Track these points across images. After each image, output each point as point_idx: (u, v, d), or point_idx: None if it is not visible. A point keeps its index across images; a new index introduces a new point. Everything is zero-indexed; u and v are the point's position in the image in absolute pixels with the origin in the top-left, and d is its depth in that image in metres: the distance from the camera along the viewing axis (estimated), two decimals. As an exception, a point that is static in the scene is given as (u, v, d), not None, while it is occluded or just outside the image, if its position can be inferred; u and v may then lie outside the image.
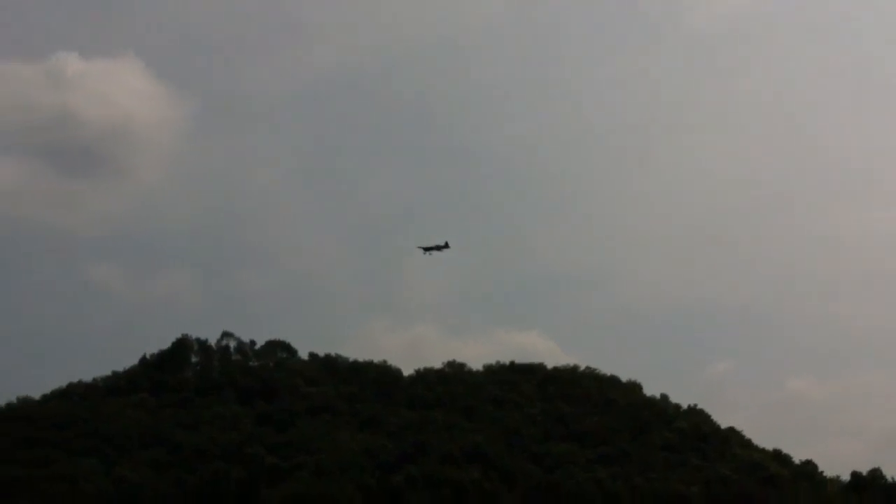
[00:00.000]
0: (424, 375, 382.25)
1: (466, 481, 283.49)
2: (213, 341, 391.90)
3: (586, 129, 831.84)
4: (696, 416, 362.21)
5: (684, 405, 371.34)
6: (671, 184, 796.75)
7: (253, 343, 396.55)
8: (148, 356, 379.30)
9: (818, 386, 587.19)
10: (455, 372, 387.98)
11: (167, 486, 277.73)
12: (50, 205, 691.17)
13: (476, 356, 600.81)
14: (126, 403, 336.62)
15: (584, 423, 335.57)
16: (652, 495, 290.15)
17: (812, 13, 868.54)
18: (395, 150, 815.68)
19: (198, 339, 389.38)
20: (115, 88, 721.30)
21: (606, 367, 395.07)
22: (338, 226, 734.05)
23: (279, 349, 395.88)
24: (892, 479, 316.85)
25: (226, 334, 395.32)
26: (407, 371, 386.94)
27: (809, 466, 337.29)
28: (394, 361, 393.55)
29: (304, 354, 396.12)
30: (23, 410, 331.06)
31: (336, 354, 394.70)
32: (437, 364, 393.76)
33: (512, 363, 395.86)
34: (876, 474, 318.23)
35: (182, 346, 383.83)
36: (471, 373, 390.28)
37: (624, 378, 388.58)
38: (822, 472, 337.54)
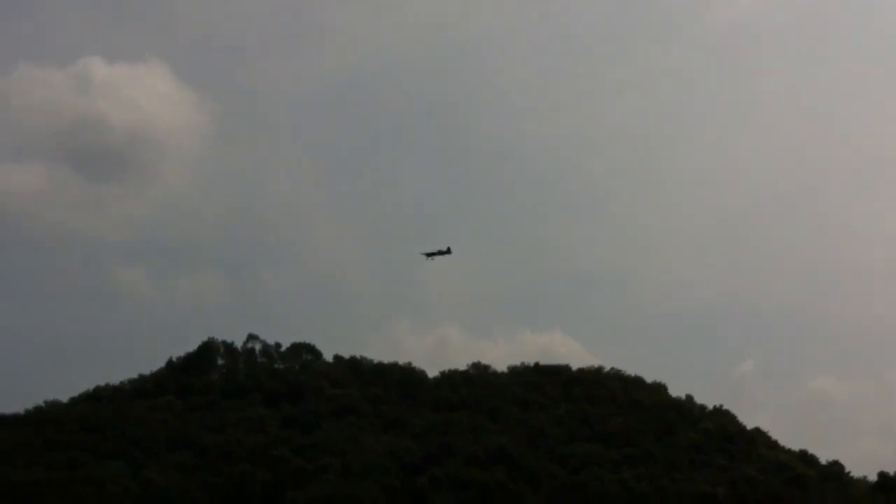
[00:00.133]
0: (449, 377, 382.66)
1: (491, 483, 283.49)
2: (238, 344, 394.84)
3: (607, 128, 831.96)
4: (722, 417, 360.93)
5: (710, 406, 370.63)
6: (694, 182, 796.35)
7: (278, 345, 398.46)
8: (174, 359, 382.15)
9: (843, 385, 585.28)
10: (479, 373, 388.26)
11: (194, 489, 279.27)
12: (76, 209, 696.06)
13: (500, 357, 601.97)
14: (153, 406, 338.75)
15: (609, 424, 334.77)
16: (678, 496, 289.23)
17: (834, 8, 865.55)
18: (416, 151, 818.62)
19: (223, 342, 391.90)
20: (141, 93, 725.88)
21: (631, 368, 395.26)
22: (361, 227, 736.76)
23: (304, 351, 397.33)
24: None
25: (251, 337, 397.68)
26: (431, 373, 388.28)
27: (836, 467, 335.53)
28: (418, 363, 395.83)
29: (328, 357, 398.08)
30: (51, 414, 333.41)
31: (361, 356, 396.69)
32: (462, 366, 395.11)
33: (536, 364, 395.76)
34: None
35: (208, 348, 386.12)
36: (495, 374, 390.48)
37: (649, 379, 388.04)
38: (848, 473, 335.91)
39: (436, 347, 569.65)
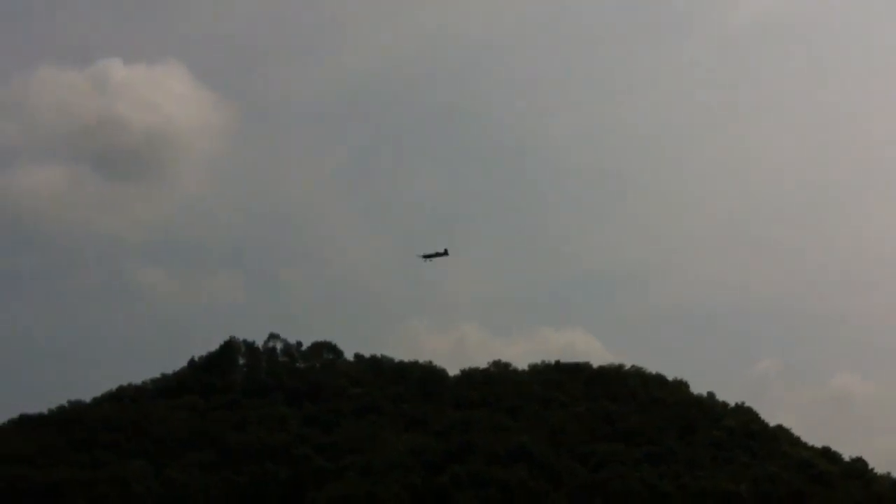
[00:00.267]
0: (469, 375, 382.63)
1: (513, 481, 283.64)
2: (260, 343, 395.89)
3: (629, 125, 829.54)
4: (744, 414, 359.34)
5: (731, 403, 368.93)
6: (715, 180, 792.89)
7: (299, 345, 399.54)
8: (196, 359, 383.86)
9: (865, 382, 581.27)
10: (500, 372, 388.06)
11: (216, 488, 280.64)
12: (96, 209, 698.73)
13: (520, 355, 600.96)
14: (175, 405, 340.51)
15: (630, 421, 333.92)
16: (700, 494, 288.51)
17: (858, 4, 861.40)
18: (434, 150, 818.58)
19: (245, 342, 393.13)
20: (159, 94, 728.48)
21: (652, 366, 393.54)
22: (380, 227, 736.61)
23: (325, 350, 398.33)
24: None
25: (272, 336, 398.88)
26: (452, 371, 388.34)
27: (859, 464, 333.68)
28: (438, 362, 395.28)
29: (349, 356, 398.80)
30: (74, 413, 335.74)
31: (381, 355, 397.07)
32: (482, 364, 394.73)
33: (557, 362, 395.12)
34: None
35: (230, 348, 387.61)
36: (516, 372, 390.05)
37: (670, 377, 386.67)
38: (871, 470, 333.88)
39: (456, 346, 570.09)
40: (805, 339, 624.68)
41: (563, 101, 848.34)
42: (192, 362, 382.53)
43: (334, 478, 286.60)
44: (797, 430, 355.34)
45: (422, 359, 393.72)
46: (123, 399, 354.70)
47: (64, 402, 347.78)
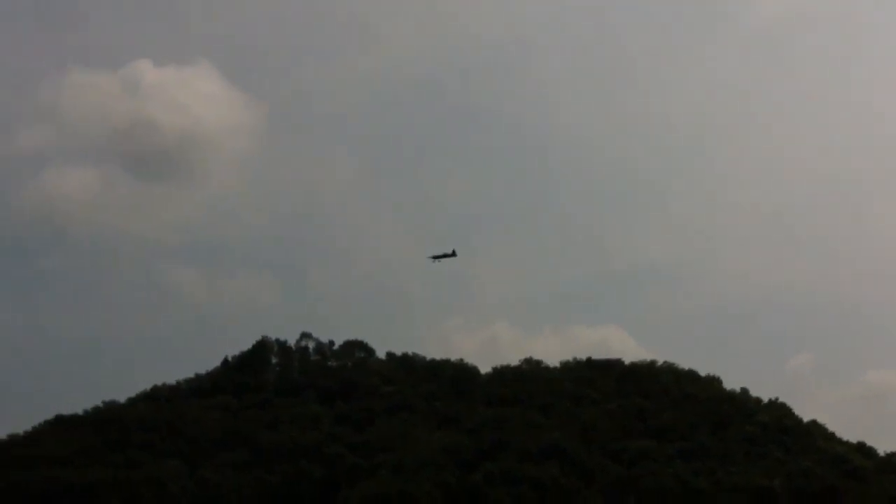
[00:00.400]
0: (501, 373, 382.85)
1: (545, 478, 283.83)
2: (292, 343, 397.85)
3: (658, 122, 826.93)
4: (778, 410, 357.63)
5: (765, 399, 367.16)
6: (749, 175, 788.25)
7: (331, 343, 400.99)
8: (229, 358, 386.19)
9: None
10: (532, 369, 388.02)
11: (249, 487, 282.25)
12: (129, 211, 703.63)
13: (552, 353, 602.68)
14: (209, 405, 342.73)
15: (662, 418, 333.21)
16: (733, 489, 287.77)
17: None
18: (465, 148, 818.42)
19: (277, 341, 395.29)
20: (190, 95, 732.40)
21: (685, 362, 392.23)
22: (410, 225, 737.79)
23: (357, 349, 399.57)
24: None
25: (304, 335, 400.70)
26: (483, 369, 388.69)
27: (894, 459, 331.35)
28: (470, 360, 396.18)
29: (381, 354, 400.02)
30: (110, 414, 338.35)
31: (413, 353, 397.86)
32: (514, 362, 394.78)
33: (589, 359, 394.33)
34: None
35: (262, 347, 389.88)
36: (547, 369, 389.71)
37: (703, 373, 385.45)
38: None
39: (487, 344, 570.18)
40: (839, 334, 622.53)
41: (593, 98, 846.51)
42: (225, 362, 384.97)
43: (367, 476, 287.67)
44: (831, 426, 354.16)
45: (453, 357, 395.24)
46: (158, 399, 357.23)
47: (99, 402, 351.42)
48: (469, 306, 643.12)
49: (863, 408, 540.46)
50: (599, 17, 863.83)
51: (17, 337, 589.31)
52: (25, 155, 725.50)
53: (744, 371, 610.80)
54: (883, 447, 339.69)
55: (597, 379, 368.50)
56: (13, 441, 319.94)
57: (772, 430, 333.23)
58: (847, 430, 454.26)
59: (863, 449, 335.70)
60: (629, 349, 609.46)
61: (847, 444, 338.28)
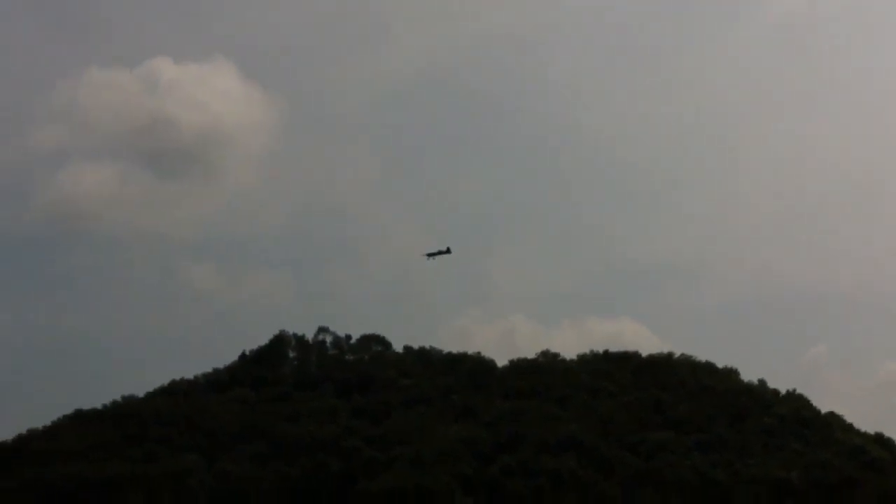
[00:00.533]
0: (518, 366, 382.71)
1: (563, 470, 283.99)
2: (309, 337, 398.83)
3: (676, 117, 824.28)
4: (796, 402, 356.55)
5: (782, 390, 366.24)
6: (763, 170, 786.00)
7: (348, 337, 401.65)
8: (247, 352, 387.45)
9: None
10: (549, 362, 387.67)
11: (268, 480, 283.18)
12: (148, 207, 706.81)
13: (568, 346, 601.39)
14: (226, 399, 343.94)
15: (680, 410, 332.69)
16: (751, 481, 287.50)
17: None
18: (482, 144, 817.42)
19: (295, 335, 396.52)
20: (208, 92, 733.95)
21: (701, 354, 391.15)
22: (427, 220, 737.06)
23: (374, 343, 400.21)
24: None
25: (322, 329, 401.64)
26: (500, 362, 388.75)
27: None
28: (487, 353, 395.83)
29: (398, 347, 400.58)
30: (128, 408, 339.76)
31: (430, 347, 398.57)
32: (530, 354, 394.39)
33: (606, 352, 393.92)
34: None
35: (280, 341, 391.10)
36: (564, 362, 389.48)
37: (720, 364, 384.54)
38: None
39: (504, 337, 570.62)
40: (856, 325, 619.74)
41: (607, 93, 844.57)
42: (242, 356, 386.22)
43: (384, 469, 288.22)
44: (849, 417, 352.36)
45: (470, 350, 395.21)
46: (176, 393, 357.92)
47: (118, 397, 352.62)
48: (486, 300, 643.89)
49: (881, 399, 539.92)
50: (613, 12, 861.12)
51: (37, 333, 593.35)
52: (45, 153, 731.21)
53: (761, 363, 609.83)
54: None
55: (614, 371, 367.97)
56: (32, 436, 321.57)
57: (789, 421, 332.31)
58: (865, 421, 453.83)
59: (881, 440, 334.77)
60: (645, 342, 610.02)
61: (865, 435, 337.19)
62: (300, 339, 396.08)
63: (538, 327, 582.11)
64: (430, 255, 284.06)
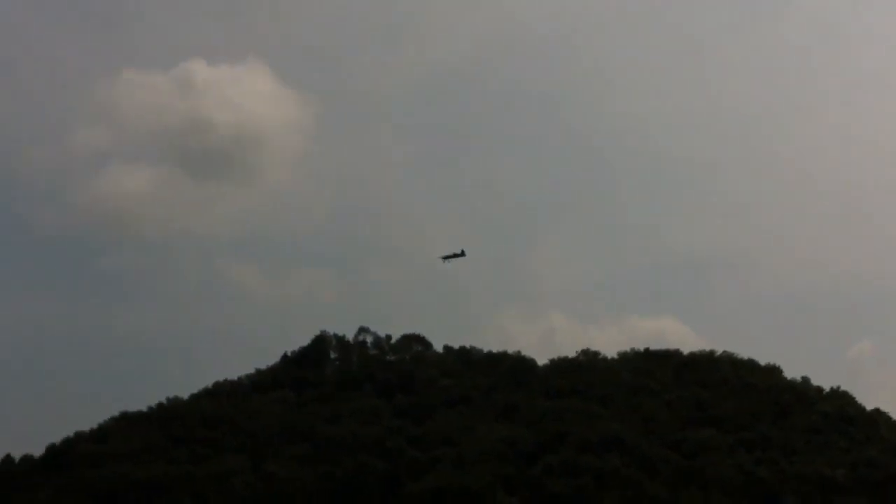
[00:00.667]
0: (559, 364, 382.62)
1: (606, 469, 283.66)
2: (350, 337, 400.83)
3: (717, 107, 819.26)
4: (840, 398, 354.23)
5: (826, 388, 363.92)
6: (805, 162, 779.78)
7: (389, 337, 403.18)
8: (289, 353, 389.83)
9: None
10: (589, 360, 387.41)
11: (313, 481, 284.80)
12: (186, 208, 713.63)
13: (608, 344, 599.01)
14: (269, 400, 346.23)
15: (722, 408, 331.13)
16: (796, 479, 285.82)
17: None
18: (518, 139, 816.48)
19: (336, 336, 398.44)
20: (242, 93, 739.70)
21: (744, 352, 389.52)
22: (466, 217, 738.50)
23: (414, 343, 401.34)
24: None
25: (362, 329, 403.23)
26: (541, 361, 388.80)
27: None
28: (527, 351, 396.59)
29: (438, 347, 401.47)
30: (173, 410, 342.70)
31: (470, 346, 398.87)
32: (571, 353, 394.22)
33: (647, 350, 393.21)
34: None
35: (321, 342, 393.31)
36: (605, 360, 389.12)
37: (762, 362, 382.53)
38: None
39: (544, 336, 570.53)
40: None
41: (646, 86, 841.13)
42: (284, 357, 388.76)
43: (427, 469, 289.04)
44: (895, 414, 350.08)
45: (510, 349, 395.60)
46: (219, 395, 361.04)
47: (163, 398, 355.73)
48: (525, 298, 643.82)
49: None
50: (661, 3, 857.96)
51: (81, 335, 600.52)
52: (83, 155, 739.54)
53: (804, 360, 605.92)
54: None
55: (655, 370, 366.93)
56: (80, 438, 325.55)
57: (834, 418, 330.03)
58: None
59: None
60: (686, 339, 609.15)
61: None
62: (341, 340, 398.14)
63: (578, 326, 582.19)
64: (445, 258, 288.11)
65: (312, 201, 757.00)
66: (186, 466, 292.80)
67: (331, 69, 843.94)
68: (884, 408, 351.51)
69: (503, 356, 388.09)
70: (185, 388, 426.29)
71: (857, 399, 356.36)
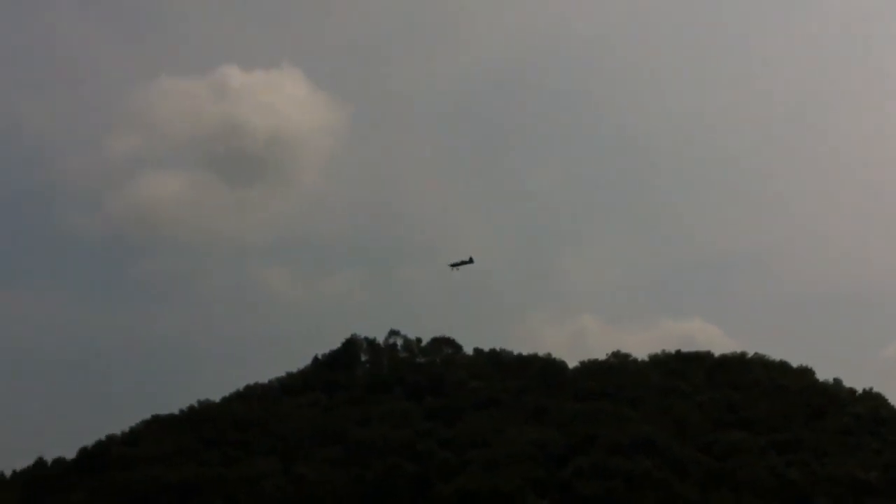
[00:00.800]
0: (589, 367, 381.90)
1: (637, 471, 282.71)
2: (380, 340, 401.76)
3: (746, 104, 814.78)
4: (873, 400, 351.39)
5: (859, 389, 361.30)
6: (837, 159, 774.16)
7: (419, 340, 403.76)
8: (319, 356, 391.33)
9: None
10: (620, 362, 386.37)
11: (344, 483, 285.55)
12: (220, 212, 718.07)
13: (638, 347, 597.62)
14: (300, 403, 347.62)
15: (754, 410, 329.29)
16: (829, 481, 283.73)
17: None
18: (550, 141, 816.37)
19: (366, 338, 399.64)
20: (277, 98, 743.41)
21: (775, 353, 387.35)
22: (496, 220, 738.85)
23: (445, 345, 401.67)
24: None
25: (392, 332, 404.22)
26: (571, 363, 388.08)
27: None
28: (557, 354, 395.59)
29: (468, 350, 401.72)
30: (204, 413, 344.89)
31: (500, 349, 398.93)
32: (601, 356, 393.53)
33: (678, 352, 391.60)
34: None
35: (351, 345, 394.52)
36: (636, 363, 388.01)
37: (794, 363, 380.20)
38: None
39: (574, 338, 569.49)
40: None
41: (678, 83, 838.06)
42: (315, 360, 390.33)
43: (458, 472, 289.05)
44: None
45: (540, 351, 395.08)
46: (250, 397, 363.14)
47: (194, 401, 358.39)
48: (555, 300, 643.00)
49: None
50: (694, 4, 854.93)
51: (115, 338, 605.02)
52: (119, 160, 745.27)
53: (836, 361, 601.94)
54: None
55: (686, 372, 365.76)
56: (112, 441, 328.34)
57: (866, 420, 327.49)
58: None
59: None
60: (718, 342, 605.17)
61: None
62: (371, 343, 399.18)
63: (608, 328, 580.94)
64: (453, 265, 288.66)
65: (344, 204, 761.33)
66: (218, 469, 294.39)
67: (363, 73, 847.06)
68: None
69: (533, 358, 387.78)
70: (217, 390, 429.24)
71: (889, 401, 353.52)
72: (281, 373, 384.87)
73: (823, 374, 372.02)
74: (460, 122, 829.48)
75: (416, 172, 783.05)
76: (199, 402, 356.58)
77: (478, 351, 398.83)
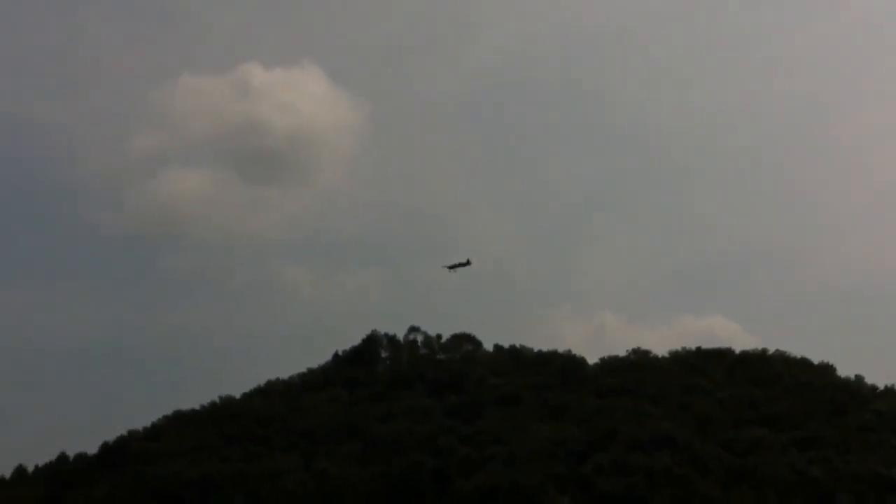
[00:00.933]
0: (609, 363, 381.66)
1: (657, 468, 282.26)
2: (401, 336, 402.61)
3: (768, 100, 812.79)
4: (894, 397, 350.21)
5: (880, 386, 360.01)
6: (859, 160, 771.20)
7: (439, 337, 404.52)
8: (340, 353, 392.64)
9: None
10: (640, 359, 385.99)
11: (365, 479, 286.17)
12: (241, 210, 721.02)
13: (659, 343, 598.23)
14: (321, 399, 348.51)
15: (775, 406, 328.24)
16: (851, 478, 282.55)
17: None
18: (570, 137, 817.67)
19: (386, 335, 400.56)
20: (297, 96, 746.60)
21: (796, 349, 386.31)
22: (517, 217, 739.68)
23: (465, 342, 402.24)
24: None
25: (412, 329, 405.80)
26: (591, 360, 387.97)
27: None
28: (577, 350, 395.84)
29: (488, 346, 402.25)
30: (226, 408, 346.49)
31: (521, 345, 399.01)
32: (621, 352, 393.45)
33: (698, 348, 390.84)
34: None
35: (372, 341, 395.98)
36: (656, 359, 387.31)
37: (815, 360, 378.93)
38: None
39: (594, 334, 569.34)
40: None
41: (698, 79, 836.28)
42: (336, 356, 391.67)
43: (478, 468, 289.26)
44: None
45: (561, 348, 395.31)
46: (272, 393, 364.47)
47: (215, 397, 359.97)
48: (576, 297, 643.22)
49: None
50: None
51: (137, 334, 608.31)
52: (142, 158, 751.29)
53: (857, 358, 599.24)
54: None
55: (707, 368, 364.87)
56: (133, 436, 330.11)
57: (888, 417, 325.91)
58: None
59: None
60: (737, 337, 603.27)
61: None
62: (392, 339, 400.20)
63: (628, 325, 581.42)
64: (450, 267, 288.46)
65: (364, 202, 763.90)
66: (239, 464, 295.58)
67: (384, 72, 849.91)
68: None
69: (553, 355, 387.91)
70: (238, 386, 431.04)
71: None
72: (302, 369, 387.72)
73: (845, 371, 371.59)
74: (479, 119, 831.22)
75: (435, 170, 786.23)
76: (221, 398, 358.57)
77: (498, 347, 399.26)
